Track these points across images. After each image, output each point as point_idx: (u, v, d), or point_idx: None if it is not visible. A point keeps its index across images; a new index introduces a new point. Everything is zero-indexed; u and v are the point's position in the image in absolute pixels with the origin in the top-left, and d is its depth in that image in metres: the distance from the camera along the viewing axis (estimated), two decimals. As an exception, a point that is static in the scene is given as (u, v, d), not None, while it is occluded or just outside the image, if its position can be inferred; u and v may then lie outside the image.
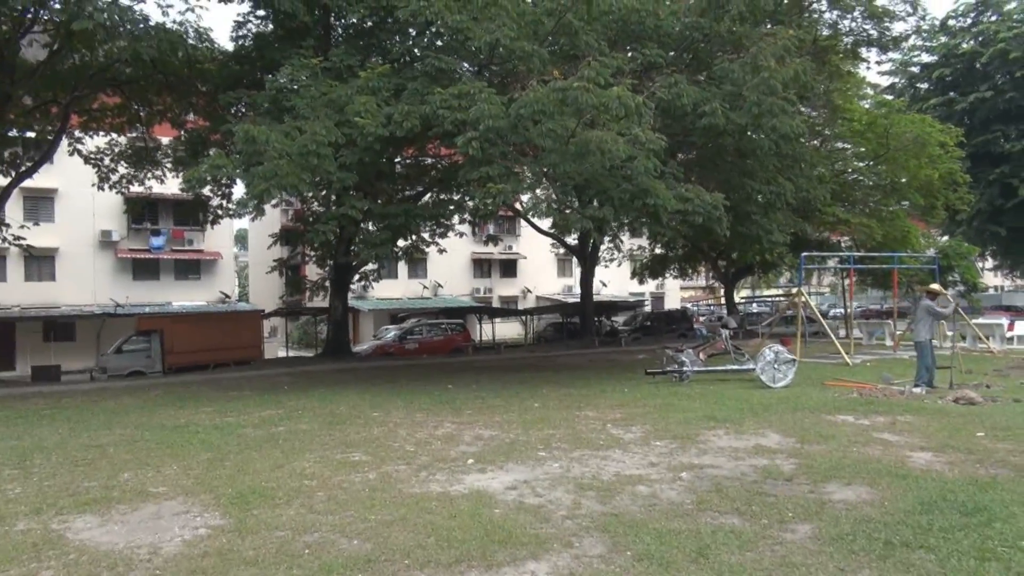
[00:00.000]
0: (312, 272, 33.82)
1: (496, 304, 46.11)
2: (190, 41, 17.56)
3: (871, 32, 19.16)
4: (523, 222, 36.01)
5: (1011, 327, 22.45)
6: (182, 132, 21.29)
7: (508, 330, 41.98)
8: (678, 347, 19.24)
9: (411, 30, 16.53)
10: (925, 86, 44.51)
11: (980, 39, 41.66)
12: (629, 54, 13.77)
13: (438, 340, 29.95)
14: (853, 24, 19.15)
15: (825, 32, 19.66)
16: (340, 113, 12.98)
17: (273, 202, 17.64)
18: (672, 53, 14.89)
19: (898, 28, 19.88)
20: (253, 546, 5.12)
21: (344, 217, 14.49)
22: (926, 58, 44.40)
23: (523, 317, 39.02)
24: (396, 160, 18.28)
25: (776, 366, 12.78)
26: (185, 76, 18.62)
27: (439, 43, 15.51)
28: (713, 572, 4.42)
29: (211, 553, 5.00)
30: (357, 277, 26.71)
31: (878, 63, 35.72)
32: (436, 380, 16.01)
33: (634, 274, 37.97)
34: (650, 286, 50.67)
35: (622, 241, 30.21)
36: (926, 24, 32.92)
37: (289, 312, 37.32)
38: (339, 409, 11.69)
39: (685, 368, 13.92)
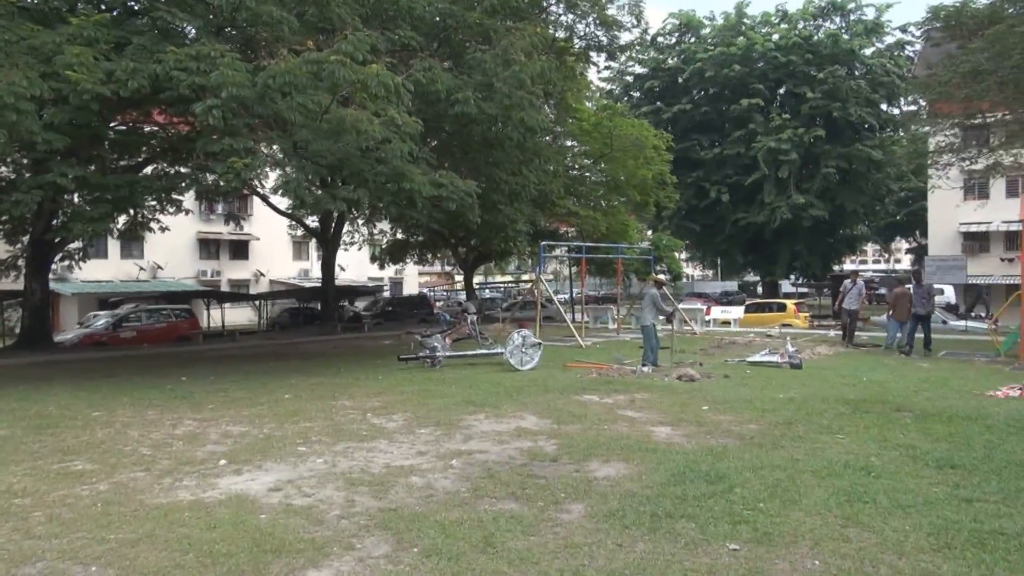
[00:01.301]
0: (-2, 249, 28.77)
1: (225, 288, 42.99)
2: None
3: (602, 39, 20.76)
4: (257, 201, 33.93)
5: (708, 311, 25.84)
6: None
7: (239, 316, 39.34)
8: (425, 332, 19.39)
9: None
10: (637, 94, 49.43)
11: (682, 57, 47.23)
12: (383, 34, 13.38)
13: (160, 327, 27.10)
14: (586, 29, 20.57)
15: (561, 35, 20.85)
16: (46, 64, 11.03)
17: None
18: (424, 39, 14.77)
19: (625, 37, 21.77)
20: (-48, 590, 4.12)
21: (51, 186, 12.38)
22: (639, 69, 49.29)
23: (256, 302, 36.82)
24: (112, 125, 16.04)
25: (524, 350, 13.34)
26: None
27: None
28: (504, 561, 4.39)
29: None
30: (60, 256, 23.24)
31: (607, 68, 38.84)
32: (165, 372, 14.42)
33: (374, 259, 37.60)
34: (389, 271, 50.57)
35: (374, 225, 29.63)
36: (648, 37, 36.47)
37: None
38: (48, 409, 10.01)
39: (437, 353, 13.99)
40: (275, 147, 11.97)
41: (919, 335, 16.35)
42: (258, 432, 8.27)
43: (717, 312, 26.44)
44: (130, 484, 6.20)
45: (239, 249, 46.13)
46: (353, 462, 6.85)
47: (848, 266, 62.05)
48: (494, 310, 36.45)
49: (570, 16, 20.49)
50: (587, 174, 29.57)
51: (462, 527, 4.97)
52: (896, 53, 44.36)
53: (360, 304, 39.34)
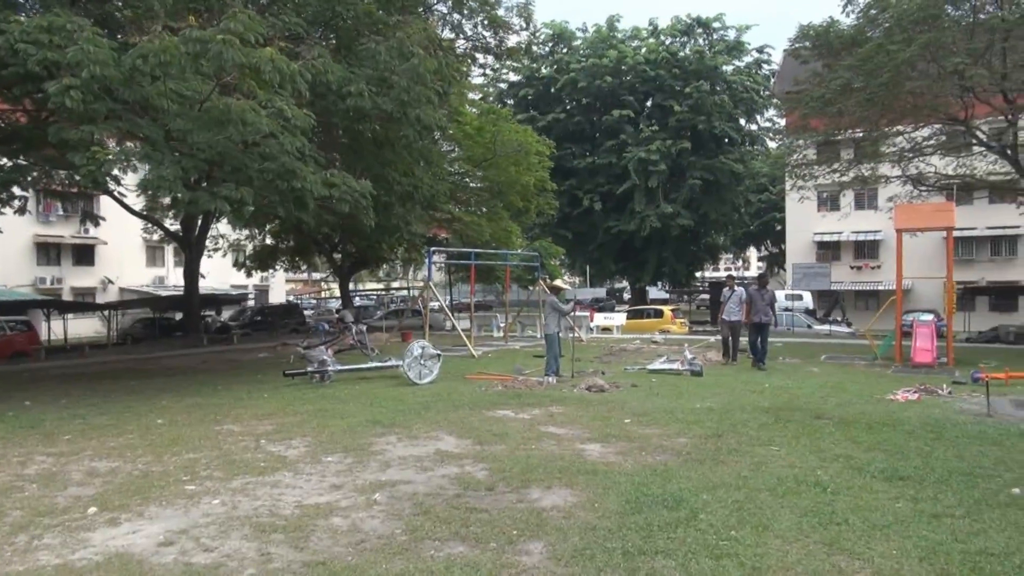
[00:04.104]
0: None
1: (68, 297, 39.02)
2: None
3: (489, 40, 20.25)
4: (106, 200, 30.89)
5: (591, 318, 25.90)
6: None
7: (84, 327, 35.78)
8: (304, 344, 18.09)
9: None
10: (511, 102, 49.47)
11: (556, 67, 47.74)
12: (265, 18, 12.18)
13: (-9, 342, 23.99)
14: (474, 30, 20.01)
15: (448, 34, 20.19)
16: None
17: None
18: (309, 26, 13.67)
19: (513, 40, 21.39)
20: None
21: None
22: (513, 77, 49.35)
23: (106, 312, 33.51)
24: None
25: (423, 362, 12.52)
26: None
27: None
28: (477, 626, 3.66)
29: None
30: None
31: (482, 74, 38.41)
32: (3, 396, 12.46)
33: (241, 266, 35.27)
34: (254, 278, 47.79)
35: (258, 231, 27.50)
36: (537, 40, 36.26)
37: None
38: None
39: (327, 368, 12.89)
40: (142, 138, 10.47)
41: (743, 344, 15.39)
42: (132, 468, 7.03)
43: (600, 319, 26.59)
44: (-29, 546, 4.94)
45: (84, 254, 42.07)
46: (257, 502, 5.85)
47: (714, 273, 65.03)
48: (370, 319, 35.10)
49: (456, 15, 19.84)
50: (467, 179, 29.00)
51: (412, 582, 4.19)
52: (754, 71, 46.84)
53: (226, 314, 36.81)
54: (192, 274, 26.08)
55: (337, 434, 8.39)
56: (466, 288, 47.73)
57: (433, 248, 20.22)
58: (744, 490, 5.90)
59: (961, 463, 6.71)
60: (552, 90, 47.48)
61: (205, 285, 43.16)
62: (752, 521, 5.13)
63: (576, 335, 22.15)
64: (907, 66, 15.55)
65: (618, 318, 26.94)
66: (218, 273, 45.33)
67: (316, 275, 62.87)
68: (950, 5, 16.41)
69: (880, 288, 37.73)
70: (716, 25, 46.51)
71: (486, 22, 19.52)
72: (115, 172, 10.87)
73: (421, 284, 57.06)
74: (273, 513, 5.54)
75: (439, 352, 13.05)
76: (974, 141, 20.37)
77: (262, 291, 52.42)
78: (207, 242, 30.25)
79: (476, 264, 22.19)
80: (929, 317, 23.49)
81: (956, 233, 28.69)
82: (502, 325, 24.45)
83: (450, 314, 19.51)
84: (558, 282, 14.89)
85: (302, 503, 5.80)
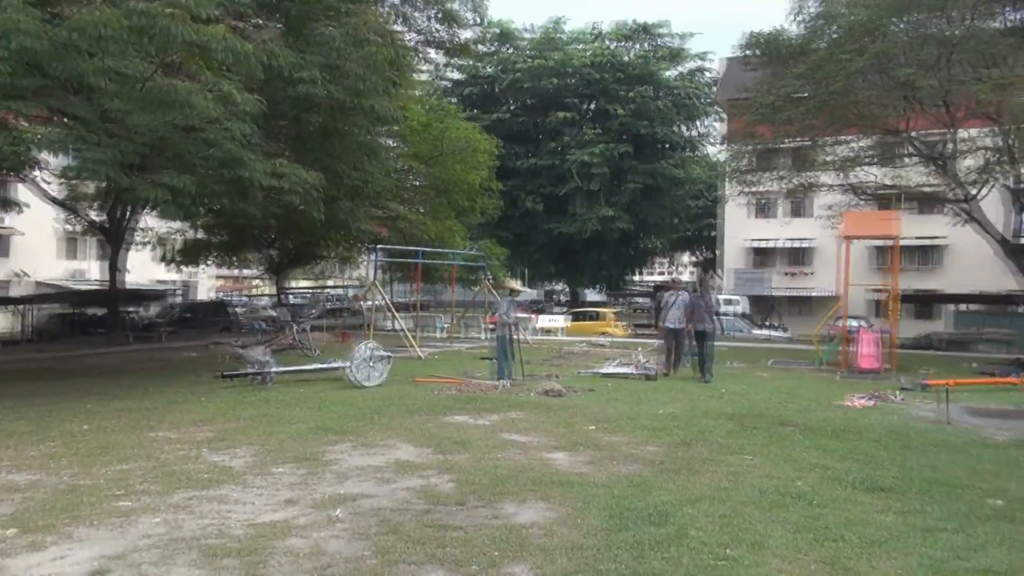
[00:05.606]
0: None
1: (-23, 290, 36.63)
2: None
3: (441, 34, 19.74)
4: (20, 187, 29.02)
5: (535, 320, 25.65)
6: None
7: (-9, 322, 33.56)
8: (238, 342, 17.24)
9: None
10: (454, 100, 48.91)
11: (500, 66, 47.42)
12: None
13: None
14: (425, 23, 19.45)
15: (398, 27, 19.57)
16: None
17: None
18: (256, 7, 12.93)
19: (465, 35, 20.93)
20: None
21: None
22: (457, 75, 48.81)
23: (18, 307, 31.46)
24: None
25: (371, 363, 11.95)
26: None
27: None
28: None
29: None
30: None
31: (424, 72, 37.60)
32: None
33: (169, 260, 33.69)
34: (180, 274, 45.80)
35: (198, 223, 26.03)
36: (486, 37, 35.66)
37: None
38: None
39: (268, 369, 12.18)
40: (74, 118, 9.57)
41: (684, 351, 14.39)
42: (56, 481, 6.32)
43: (544, 320, 26.37)
44: None
45: (-5, 245, 39.64)
46: (203, 520, 5.27)
47: (648, 277, 65.79)
48: (305, 318, 33.99)
49: (408, 7, 19.26)
50: (411, 176, 28.33)
51: (391, 615, 3.74)
52: (696, 77, 47.53)
53: (151, 310, 35.10)
54: (115, 268, 24.66)
55: (285, 442, 7.80)
56: (402, 288, 47.02)
57: (379, 246, 19.55)
58: (728, 503, 5.64)
59: (936, 473, 6.63)
60: (496, 89, 47.18)
61: (128, 280, 41.27)
62: (745, 538, 4.86)
63: (520, 337, 21.87)
64: (859, 75, 15.79)
65: (561, 320, 26.77)
66: (142, 268, 43.19)
67: (246, 271, 60.87)
68: (896, 19, 16.73)
69: (812, 295, 38.67)
70: (660, 31, 46.97)
71: (439, 15, 18.99)
72: (41, 155, 9.95)
73: (357, 283, 56.08)
74: (222, 533, 4.98)
75: (389, 354, 12.51)
76: (910, 151, 20.92)
77: (189, 287, 50.39)
78: (132, 235, 28.74)
79: (421, 263, 21.64)
80: (860, 323, 24.06)
81: (883, 243, 29.59)
82: (445, 326, 23.95)
83: (396, 314, 18.89)
84: (515, 284, 14.48)
85: (254, 521, 5.25)
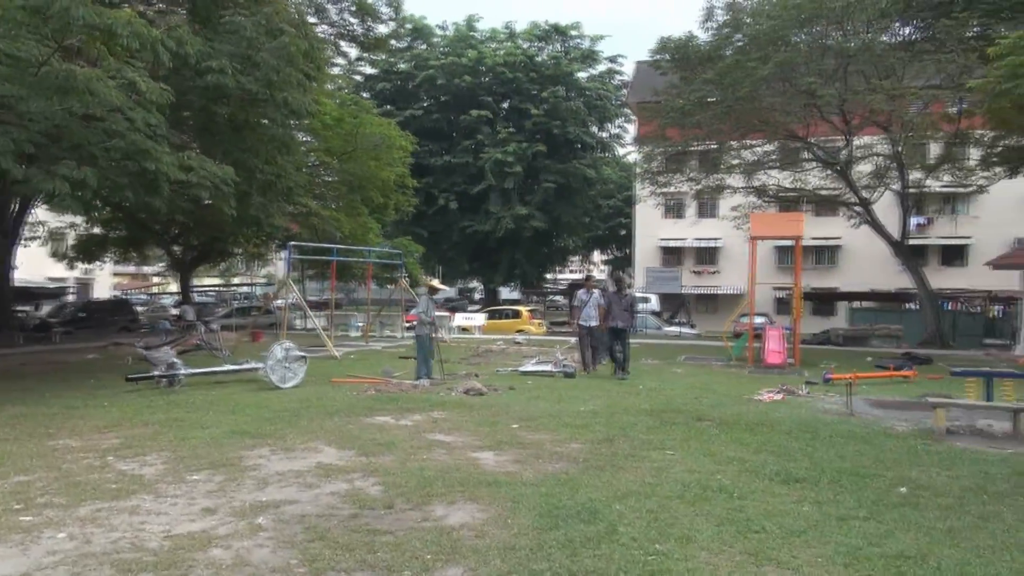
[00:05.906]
0: None
1: None
2: None
3: (356, 28, 19.34)
4: None
5: (452, 318, 25.54)
6: None
7: None
8: (145, 344, 16.46)
9: None
10: (368, 95, 48.14)
11: (414, 63, 46.96)
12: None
13: None
14: (339, 16, 19.02)
15: (311, 19, 19.10)
16: None
17: None
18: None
19: (380, 29, 20.55)
20: None
21: None
22: (370, 70, 48.04)
23: None
24: None
25: (287, 364, 11.62)
26: None
27: None
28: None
29: None
30: None
31: (336, 66, 36.59)
32: None
33: (63, 257, 31.81)
34: (75, 271, 43.27)
35: (97, 216, 24.51)
36: (403, 31, 35.02)
37: None
38: None
39: (177, 371, 11.65)
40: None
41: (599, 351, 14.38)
42: (-55, 495, 5.85)
43: (460, 319, 26.30)
44: None
45: None
46: (115, 533, 4.98)
47: (563, 276, 66.56)
48: (212, 317, 32.74)
49: (322, -1, 18.81)
50: (324, 172, 27.71)
51: (325, 626, 3.63)
52: (607, 80, 48.40)
53: (44, 309, 33.09)
54: (6, 265, 23.09)
55: (199, 447, 7.47)
56: (314, 286, 45.93)
57: (292, 243, 19.02)
58: (654, 498, 5.76)
59: (844, 463, 6.96)
60: (410, 86, 46.71)
61: (18, 277, 38.69)
62: (673, 533, 4.97)
63: (438, 336, 21.73)
64: (763, 83, 16.45)
65: (478, 318, 26.77)
66: (32, 264, 40.50)
67: (147, 268, 58.12)
68: (798, 30, 17.51)
69: (719, 292, 40.10)
70: (573, 33, 47.58)
71: (354, 8, 18.60)
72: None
73: (265, 280, 54.42)
74: (137, 547, 4.72)
75: (305, 354, 12.18)
76: (811, 156, 21.95)
77: (84, 285, 47.71)
78: (23, 229, 26.97)
79: (336, 261, 21.18)
80: (763, 320, 25.07)
81: (783, 243, 30.98)
82: (360, 325, 23.55)
83: (310, 313, 18.42)
84: (435, 282, 14.38)
85: (171, 532, 5.00)
